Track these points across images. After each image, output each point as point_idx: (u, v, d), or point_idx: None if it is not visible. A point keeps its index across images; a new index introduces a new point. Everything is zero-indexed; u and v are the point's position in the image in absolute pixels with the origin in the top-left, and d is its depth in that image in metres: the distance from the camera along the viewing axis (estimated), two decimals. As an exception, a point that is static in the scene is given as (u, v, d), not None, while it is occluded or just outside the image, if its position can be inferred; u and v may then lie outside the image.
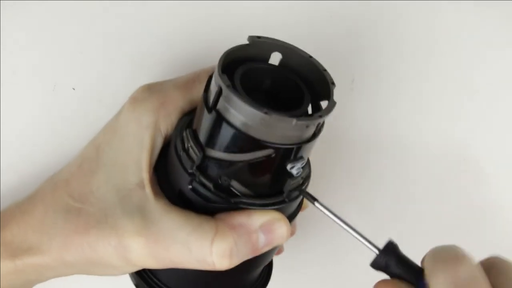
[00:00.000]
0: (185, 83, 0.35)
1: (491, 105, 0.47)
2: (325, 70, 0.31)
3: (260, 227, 0.31)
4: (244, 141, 0.28)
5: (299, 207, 0.35)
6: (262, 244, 0.32)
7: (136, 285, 0.37)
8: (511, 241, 0.49)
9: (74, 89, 0.41)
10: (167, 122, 0.34)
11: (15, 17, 0.38)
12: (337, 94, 0.43)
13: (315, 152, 0.41)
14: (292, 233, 0.42)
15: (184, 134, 0.31)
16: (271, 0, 0.41)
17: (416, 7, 0.43)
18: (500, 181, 0.49)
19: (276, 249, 0.36)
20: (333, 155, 0.47)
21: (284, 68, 0.32)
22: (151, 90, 0.35)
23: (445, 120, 0.47)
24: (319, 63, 0.31)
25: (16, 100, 0.40)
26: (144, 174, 0.33)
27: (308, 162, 0.34)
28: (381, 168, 0.48)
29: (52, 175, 0.37)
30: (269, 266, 0.40)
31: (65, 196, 0.34)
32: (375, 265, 0.31)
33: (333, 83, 0.31)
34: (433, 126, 0.47)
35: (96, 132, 0.37)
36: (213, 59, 0.41)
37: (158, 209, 0.32)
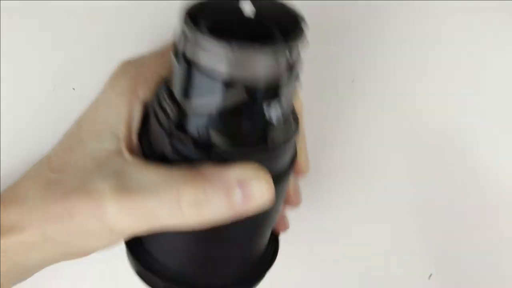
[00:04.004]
0: (161, 50, 0.35)
1: (493, 102, 0.47)
2: (299, 15, 0.29)
3: (237, 180, 0.29)
4: (211, 82, 0.27)
5: (292, 167, 0.33)
6: (239, 199, 0.29)
7: (137, 272, 0.36)
8: None
9: (74, 89, 0.41)
10: (145, 88, 0.33)
11: (15, 17, 0.38)
12: (337, 94, 0.43)
13: (314, 152, 0.41)
14: (295, 202, 0.40)
15: (160, 92, 0.31)
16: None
17: (416, 7, 0.43)
18: (502, 177, 0.49)
19: (277, 214, 0.35)
20: (333, 155, 0.47)
21: (255, 14, 0.30)
22: (128, 61, 0.35)
23: (446, 119, 0.47)
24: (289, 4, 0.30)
25: (16, 100, 0.40)
26: (122, 142, 0.32)
27: (295, 116, 0.33)
28: (381, 169, 0.48)
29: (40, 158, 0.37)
30: (276, 243, 0.39)
31: (46, 171, 0.34)
32: None
33: (304, 21, 0.29)
34: (434, 126, 0.47)
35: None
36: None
37: (135, 169, 0.31)
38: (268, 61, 0.27)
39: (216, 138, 0.29)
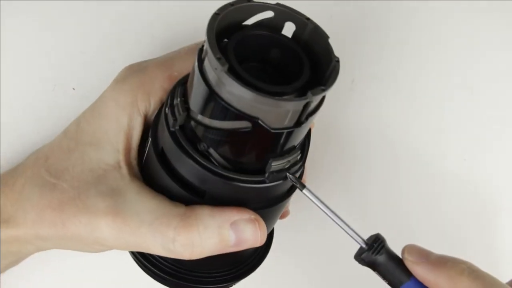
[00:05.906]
0: (165, 61, 0.35)
1: (492, 105, 0.47)
2: (328, 37, 0.30)
3: (231, 224, 0.30)
4: (226, 112, 0.27)
5: (290, 193, 0.33)
6: (232, 242, 0.30)
7: (135, 260, 0.36)
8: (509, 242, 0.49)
9: (74, 89, 0.41)
10: (146, 102, 0.34)
11: (15, 17, 0.38)
12: (337, 94, 0.43)
13: (313, 152, 0.41)
14: (283, 215, 0.41)
15: (176, 89, 0.30)
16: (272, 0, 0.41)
17: (416, 8, 0.43)
18: (499, 181, 0.49)
19: (275, 220, 0.35)
20: (333, 154, 0.47)
21: (283, 36, 0.30)
22: (131, 70, 0.35)
23: (445, 120, 0.47)
24: (322, 29, 0.30)
25: (16, 100, 0.40)
26: (121, 155, 0.33)
27: (304, 149, 0.33)
28: (381, 168, 0.48)
29: (37, 150, 0.37)
30: (270, 235, 0.39)
31: (43, 171, 0.34)
32: (360, 259, 0.31)
33: (337, 61, 0.29)
34: (433, 126, 0.47)
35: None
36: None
37: (132, 190, 0.32)
38: (287, 111, 0.27)
39: (215, 156, 0.29)
